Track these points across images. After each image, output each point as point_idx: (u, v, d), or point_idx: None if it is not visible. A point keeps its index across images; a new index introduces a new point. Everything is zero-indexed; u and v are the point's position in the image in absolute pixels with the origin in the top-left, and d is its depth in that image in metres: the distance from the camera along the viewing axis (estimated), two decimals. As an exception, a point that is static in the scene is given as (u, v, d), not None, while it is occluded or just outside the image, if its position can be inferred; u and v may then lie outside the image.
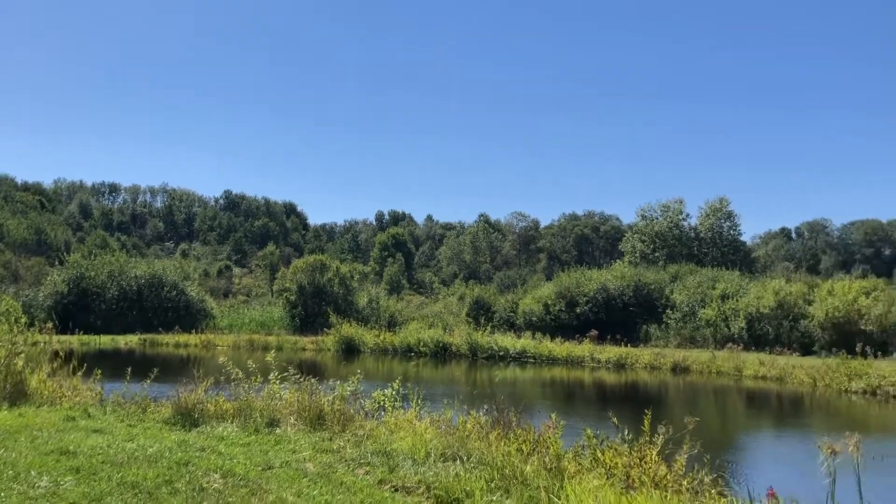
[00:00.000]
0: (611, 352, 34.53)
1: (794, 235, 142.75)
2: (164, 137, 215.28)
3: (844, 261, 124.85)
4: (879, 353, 29.71)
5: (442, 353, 37.19)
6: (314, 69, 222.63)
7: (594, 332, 38.97)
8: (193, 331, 44.71)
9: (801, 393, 24.72)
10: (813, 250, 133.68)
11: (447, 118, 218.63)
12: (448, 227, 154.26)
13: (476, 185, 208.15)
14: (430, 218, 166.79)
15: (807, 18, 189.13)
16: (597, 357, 34.08)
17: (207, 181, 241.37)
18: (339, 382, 13.07)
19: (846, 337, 33.21)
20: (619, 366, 32.93)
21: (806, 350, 34.77)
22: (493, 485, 7.98)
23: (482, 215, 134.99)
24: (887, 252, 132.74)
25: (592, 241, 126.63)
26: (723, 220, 70.91)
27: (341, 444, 10.01)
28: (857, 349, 29.07)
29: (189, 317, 49.83)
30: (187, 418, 11.28)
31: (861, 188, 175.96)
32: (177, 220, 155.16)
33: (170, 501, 6.84)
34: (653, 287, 45.62)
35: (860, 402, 22.62)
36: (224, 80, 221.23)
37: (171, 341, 42.00)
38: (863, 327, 33.61)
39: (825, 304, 35.46)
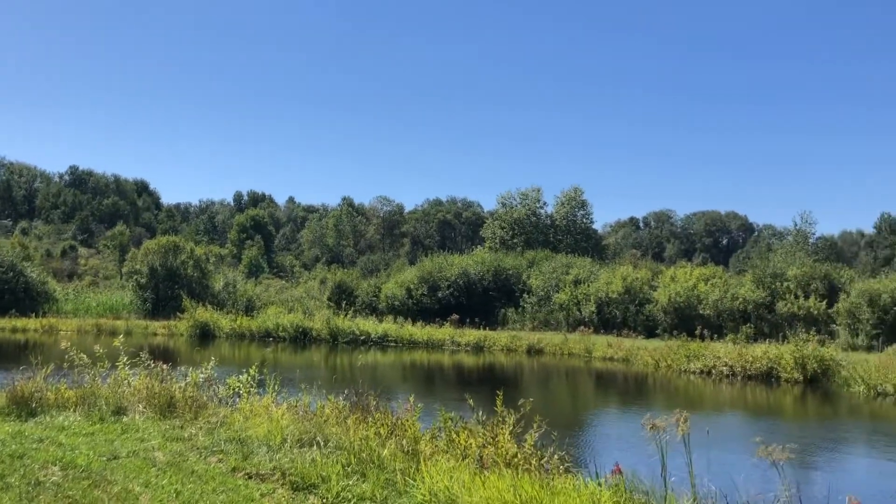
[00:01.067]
0: (470, 335, 35.38)
1: (641, 225, 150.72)
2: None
3: (686, 249, 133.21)
4: (715, 335, 31.99)
5: (302, 338, 36.77)
6: (173, 40, 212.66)
7: (455, 316, 39.76)
8: (33, 315, 41.93)
9: (645, 373, 26.26)
10: (658, 239, 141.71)
11: (309, 98, 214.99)
12: (311, 209, 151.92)
13: (340, 168, 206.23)
14: (291, 200, 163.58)
15: (665, 13, 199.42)
16: (457, 340, 34.82)
17: (51, 155, 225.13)
18: (191, 368, 12.70)
19: (686, 320, 35.55)
20: (478, 348, 33.80)
21: (650, 333, 36.87)
22: (349, 469, 8.00)
23: (346, 198, 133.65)
24: (724, 241, 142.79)
25: (455, 226, 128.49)
26: (577, 209, 73.68)
27: (193, 431, 9.74)
28: (696, 332, 31.20)
29: (29, 300, 46.76)
30: (24, 408, 10.62)
31: (702, 181, 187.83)
32: (15, 197, 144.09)
33: (0, 498, 6.41)
34: (511, 272, 46.94)
35: (697, 381, 24.31)
36: (70, 44, 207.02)
37: (7, 326, 39.32)
38: (701, 311, 36.01)
39: (668, 289, 37.73)
